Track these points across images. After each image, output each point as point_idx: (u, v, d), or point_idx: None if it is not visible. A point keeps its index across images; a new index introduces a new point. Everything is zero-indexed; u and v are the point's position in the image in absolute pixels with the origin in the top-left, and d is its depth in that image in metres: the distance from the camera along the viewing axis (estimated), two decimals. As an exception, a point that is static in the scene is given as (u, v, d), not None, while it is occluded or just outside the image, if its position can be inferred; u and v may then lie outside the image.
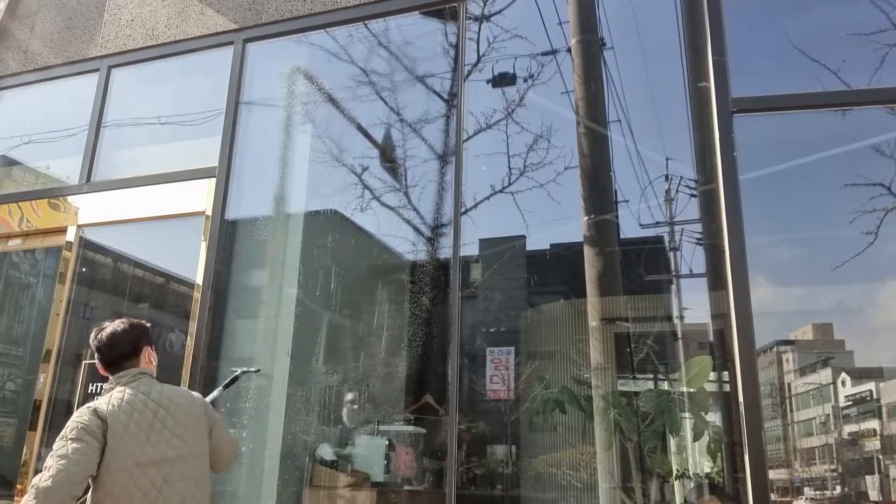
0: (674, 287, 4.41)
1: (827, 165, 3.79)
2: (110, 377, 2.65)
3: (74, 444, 2.33)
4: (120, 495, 2.37)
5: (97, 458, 2.36)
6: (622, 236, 4.21)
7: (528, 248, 4.66)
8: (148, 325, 2.83)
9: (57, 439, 2.38)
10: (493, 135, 4.46)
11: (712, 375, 3.58)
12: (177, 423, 2.53)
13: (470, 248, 4.29)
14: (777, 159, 3.79)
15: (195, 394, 2.78)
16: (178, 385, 2.72)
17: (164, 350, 4.75)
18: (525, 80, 4.52)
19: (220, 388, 3.51)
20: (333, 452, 4.39)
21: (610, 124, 4.25)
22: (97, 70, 5.43)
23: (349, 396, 4.58)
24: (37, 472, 4.59)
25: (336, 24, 4.74)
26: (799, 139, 3.84)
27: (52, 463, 2.28)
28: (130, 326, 2.72)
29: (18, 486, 4.62)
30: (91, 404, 2.50)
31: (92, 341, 2.70)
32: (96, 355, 2.69)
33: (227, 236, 4.59)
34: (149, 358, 2.73)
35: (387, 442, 4.36)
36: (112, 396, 2.51)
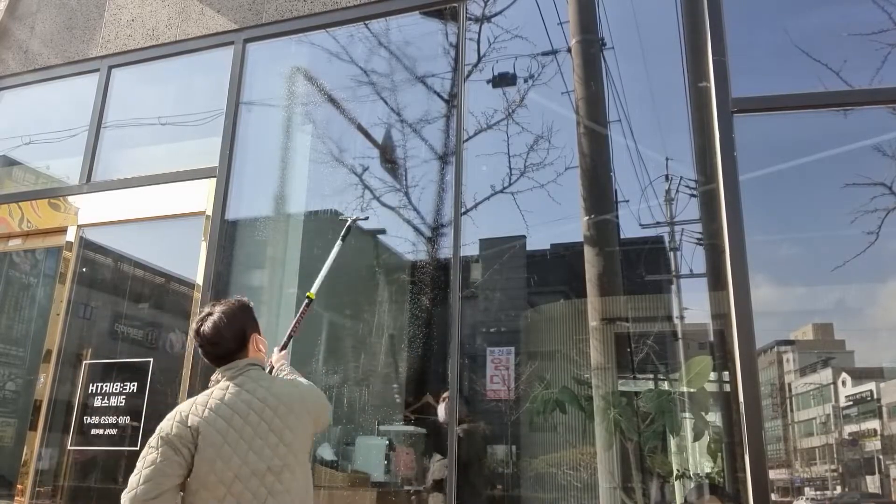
0: (674, 287, 4.41)
1: (827, 165, 3.79)
2: (216, 370, 2.38)
3: (152, 456, 2.11)
4: None
5: (179, 472, 2.11)
6: (622, 236, 4.21)
7: (529, 248, 4.66)
8: (251, 304, 2.49)
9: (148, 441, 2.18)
10: (493, 135, 4.46)
11: (712, 375, 3.58)
12: (285, 426, 2.23)
13: (470, 248, 4.29)
14: (777, 159, 3.79)
15: (307, 387, 2.48)
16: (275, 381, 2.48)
17: (164, 350, 4.76)
18: (525, 81, 4.52)
19: (339, 242, 3.37)
20: (333, 452, 4.39)
21: (610, 124, 4.25)
22: (97, 70, 5.44)
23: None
24: (37, 471, 4.61)
25: (336, 24, 4.74)
26: (799, 139, 3.84)
27: (137, 472, 2.10)
28: (233, 317, 2.37)
29: (19, 487, 4.62)
30: (184, 406, 2.24)
31: (194, 337, 2.40)
32: (199, 350, 2.41)
33: (227, 236, 4.59)
34: (257, 345, 2.43)
35: (387, 442, 4.36)
36: (212, 396, 2.24)
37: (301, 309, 3.18)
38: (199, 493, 2.12)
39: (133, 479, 2.08)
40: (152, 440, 2.15)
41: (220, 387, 2.27)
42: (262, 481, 2.13)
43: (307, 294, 3.15)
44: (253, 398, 2.23)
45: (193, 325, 2.41)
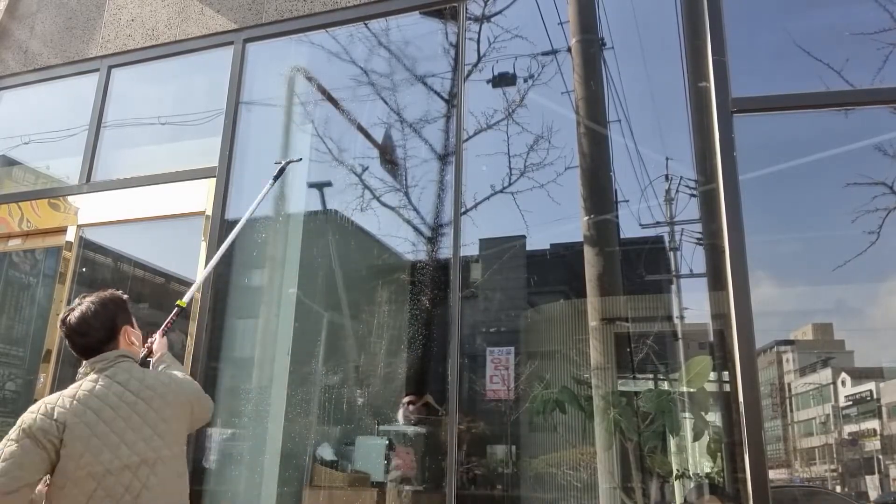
0: (674, 287, 4.41)
1: (828, 165, 3.79)
2: (84, 362, 2.31)
3: (11, 448, 2.02)
4: None
5: (40, 467, 2.02)
6: (622, 236, 4.21)
7: (529, 248, 4.66)
8: (124, 296, 2.42)
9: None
10: (493, 135, 4.46)
11: (712, 375, 3.58)
12: (160, 418, 2.17)
13: (470, 248, 4.28)
14: (777, 159, 3.79)
15: (183, 379, 2.40)
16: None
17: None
18: (525, 80, 4.52)
19: (270, 182, 3.35)
20: (333, 452, 4.39)
21: (610, 124, 4.25)
22: (97, 70, 5.43)
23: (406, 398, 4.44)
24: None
25: (336, 24, 4.74)
26: (799, 139, 3.84)
27: None
28: (103, 306, 2.31)
29: (18, 486, 4.62)
30: (50, 399, 2.14)
31: (60, 327, 2.32)
32: (66, 342, 2.33)
33: (226, 236, 4.58)
34: (129, 338, 2.35)
35: (387, 442, 4.36)
36: (81, 388, 2.16)
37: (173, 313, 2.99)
38: (65, 489, 2.03)
39: None
40: (12, 432, 2.06)
41: (90, 378, 2.20)
42: (136, 474, 2.06)
43: (177, 303, 2.99)
44: (125, 390, 2.16)
45: (60, 317, 2.34)
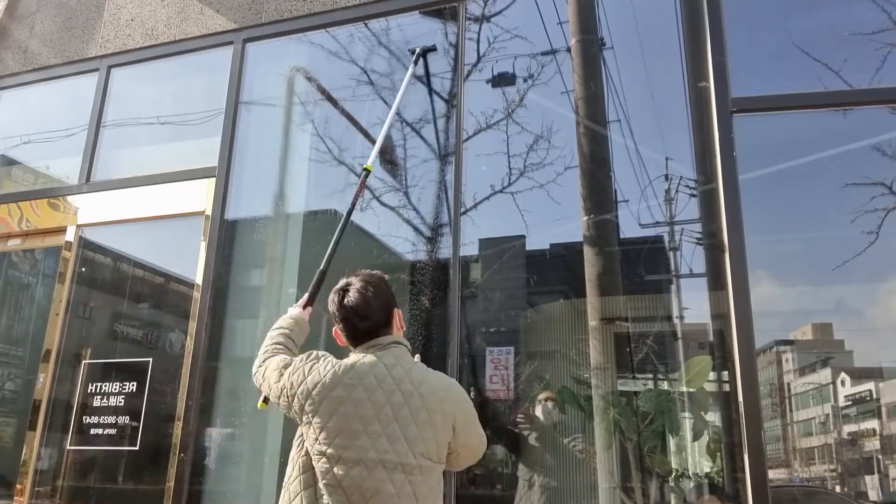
0: (673, 287, 4.41)
1: (827, 165, 3.80)
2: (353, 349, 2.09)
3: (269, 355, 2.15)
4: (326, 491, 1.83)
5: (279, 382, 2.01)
6: (622, 236, 4.21)
7: (528, 248, 4.65)
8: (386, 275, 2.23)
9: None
10: (492, 135, 4.46)
11: (712, 375, 3.59)
12: (413, 419, 1.87)
13: (470, 248, 4.28)
14: (777, 159, 3.79)
15: (454, 385, 2.08)
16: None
17: (164, 350, 4.75)
18: (525, 80, 4.52)
19: (410, 68, 3.60)
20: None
21: (610, 124, 4.25)
22: (97, 70, 5.43)
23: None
24: (36, 471, 4.61)
25: (336, 24, 4.74)
26: (799, 139, 3.85)
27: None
28: (379, 289, 2.09)
29: (18, 486, 4.62)
30: (316, 355, 2.06)
31: (336, 310, 2.09)
32: (340, 325, 2.11)
33: (226, 236, 4.59)
34: (400, 322, 2.16)
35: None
36: (344, 360, 2.01)
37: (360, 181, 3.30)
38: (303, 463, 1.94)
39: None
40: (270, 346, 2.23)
41: (355, 354, 2.04)
42: (371, 475, 1.80)
43: (364, 167, 3.29)
44: (388, 374, 1.93)
45: (332, 297, 2.12)
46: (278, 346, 2.26)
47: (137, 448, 4.30)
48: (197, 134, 5.03)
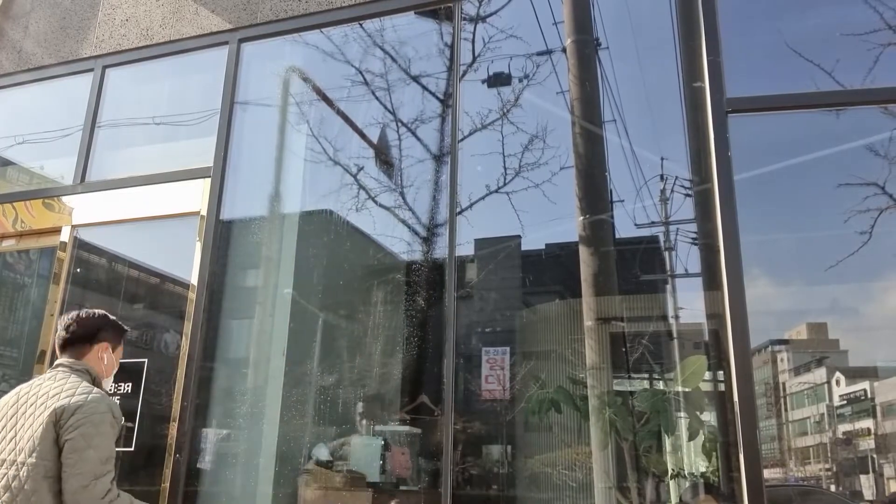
0: (669, 287, 4.42)
1: (821, 165, 3.81)
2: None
3: None
4: None
5: None
6: (617, 236, 4.21)
7: (524, 248, 4.66)
8: (123, 328, 2.63)
9: None
10: (488, 135, 4.46)
11: (707, 375, 3.59)
12: (25, 425, 2.25)
13: (465, 248, 4.29)
14: (772, 159, 3.80)
15: (72, 397, 2.26)
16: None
17: (159, 351, 4.74)
18: (520, 80, 4.53)
19: None
20: (329, 453, 4.38)
21: (605, 124, 4.26)
22: (91, 70, 5.42)
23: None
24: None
25: (331, 24, 4.73)
26: (793, 139, 3.86)
27: None
28: (97, 317, 2.55)
29: (12, 488, 4.60)
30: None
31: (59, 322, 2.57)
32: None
33: (221, 236, 4.58)
34: (100, 355, 2.47)
35: (382, 442, 4.35)
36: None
37: None
38: None
39: None
40: None
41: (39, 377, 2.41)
42: (7, 470, 2.18)
43: None
44: (31, 389, 2.33)
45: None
46: None
47: (133, 449, 4.28)
48: (192, 134, 5.02)
